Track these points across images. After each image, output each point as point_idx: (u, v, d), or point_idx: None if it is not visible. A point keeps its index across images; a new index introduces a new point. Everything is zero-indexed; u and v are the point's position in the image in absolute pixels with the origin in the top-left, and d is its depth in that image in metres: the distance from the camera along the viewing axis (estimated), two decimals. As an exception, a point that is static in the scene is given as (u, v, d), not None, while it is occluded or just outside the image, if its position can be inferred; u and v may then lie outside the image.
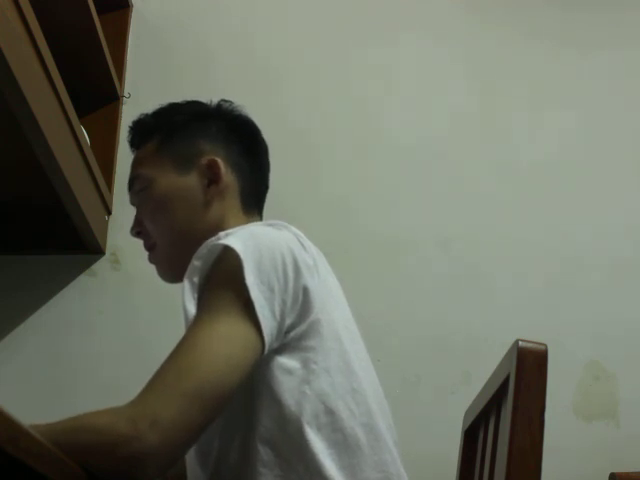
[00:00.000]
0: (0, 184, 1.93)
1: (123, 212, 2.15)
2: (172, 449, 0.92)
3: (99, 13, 1.98)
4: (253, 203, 1.32)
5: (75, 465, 0.83)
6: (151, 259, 1.32)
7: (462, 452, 1.43)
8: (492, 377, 1.21)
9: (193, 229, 1.24)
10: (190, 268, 1.09)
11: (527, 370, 1.00)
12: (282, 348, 1.06)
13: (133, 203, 1.35)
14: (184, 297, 1.07)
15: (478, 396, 1.34)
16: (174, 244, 1.27)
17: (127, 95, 2.24)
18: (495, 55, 2.38)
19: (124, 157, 2.19)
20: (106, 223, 2.14)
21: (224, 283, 1.03)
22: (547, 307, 2.14)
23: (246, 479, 1.04)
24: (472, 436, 1.37)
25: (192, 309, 1.05)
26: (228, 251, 1.04)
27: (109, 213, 2.15)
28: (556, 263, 2.19)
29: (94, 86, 2.11)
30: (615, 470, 1.76)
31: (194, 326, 1.00)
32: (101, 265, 2.13)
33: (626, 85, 2.37)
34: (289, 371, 1.06)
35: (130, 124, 1.37)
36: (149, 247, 1.31)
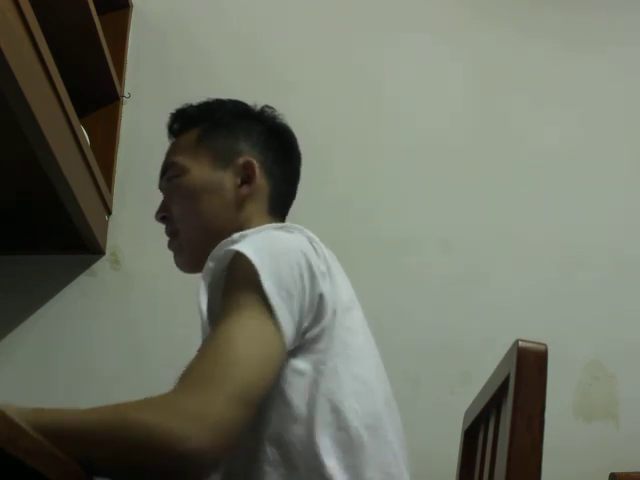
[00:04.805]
0: (0, 184, 1.92)
1: (123, 212, 2.16)
2: (222, 449, 0.90)
3: (99, 13, 1.98)
4: (279, 210, 1.34)
5: (75, 465, 0.83)
6: (170, 246, 1.33)
7: (462, 452, 1.43)
8: (492, 377, 1.21)
9: (218, 225, 1.26)
10: (205, 269, 1.10)
11: (527, 370, 1.00)
12: (295, 350, 1.07)
13: (162, 188, 1.36)
14: (199, 296, 1.08)
15: (478, 396, 1.34)
16: (197, 235, 1.28)
17: (127, 95, 2.24)
18: (495, 54, 2.38)
19: (124, 157, 2.20)
20: (106, 223, 2.14)
21: (243, 287, 1.03)
22: (547, 307, 2.14)
23: (252, 478, 1.04)
24: (472, 436, 1.37)
25: (205, 308, 1.06)
26: (240, 257, 1.04)
27: (109, 213, 2.15)
28: (556, 263, 2.19)
29: (94, 86, 2.11)
30: (615, 470, 1.76)
31: (225, 325, 0.99)
32: (101, 265, 2.13)
33: (627, 84, 2.37)
34: (300, 373, 1.06)
35: (173, 111, 1.38)
36: (171, 233, 1.33)
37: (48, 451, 0.72)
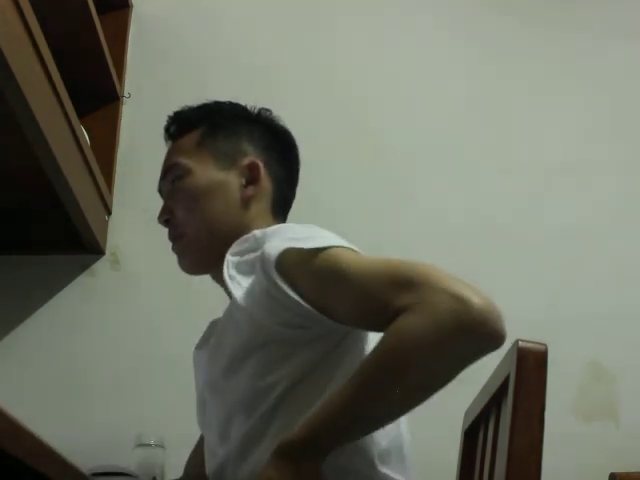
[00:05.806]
0: (0, 184, 1.92)
1: (123, 212, 2.16)
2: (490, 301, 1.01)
3: (99, 13, 1.98)
4: (281, 211, 1.36)
5: (75, 465, 0.83)
6: (174, 248, 1.33)
7: (462, 452, 1.43)
8: (492, 377, 1.21)
9: (223, 225, 1.28)
10: (233, 262, 1.15)
11: (527, 370, 1.00)
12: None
13: (162, 191, 1.36)
14: (232, 289, 1.13)
15: (478, 396, 1.34)
16: (202, 236, 1.29)
17: (127, 95, 2.24)
18: (496, 54, 2.38)
19: (124, 157, 2.20)
20: (106, 223, 2.14)
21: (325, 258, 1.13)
22: (547, 306, 2.14)
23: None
24: (472, 436, 1.37)
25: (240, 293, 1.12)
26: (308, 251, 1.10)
27: (109, 213, 2.15)
28: (556, 262, 2.19)
29: (94, 86, 2.11)
30: (615, 470, 1.76)
31: (349, 265, 1.12)
32: (101, 265, 2.12)
33: (627, 83, 2.36)
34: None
35: (171, 114, 1.39)
36: (175, 236, 1.32)
37: (49, 451, 0.72)
